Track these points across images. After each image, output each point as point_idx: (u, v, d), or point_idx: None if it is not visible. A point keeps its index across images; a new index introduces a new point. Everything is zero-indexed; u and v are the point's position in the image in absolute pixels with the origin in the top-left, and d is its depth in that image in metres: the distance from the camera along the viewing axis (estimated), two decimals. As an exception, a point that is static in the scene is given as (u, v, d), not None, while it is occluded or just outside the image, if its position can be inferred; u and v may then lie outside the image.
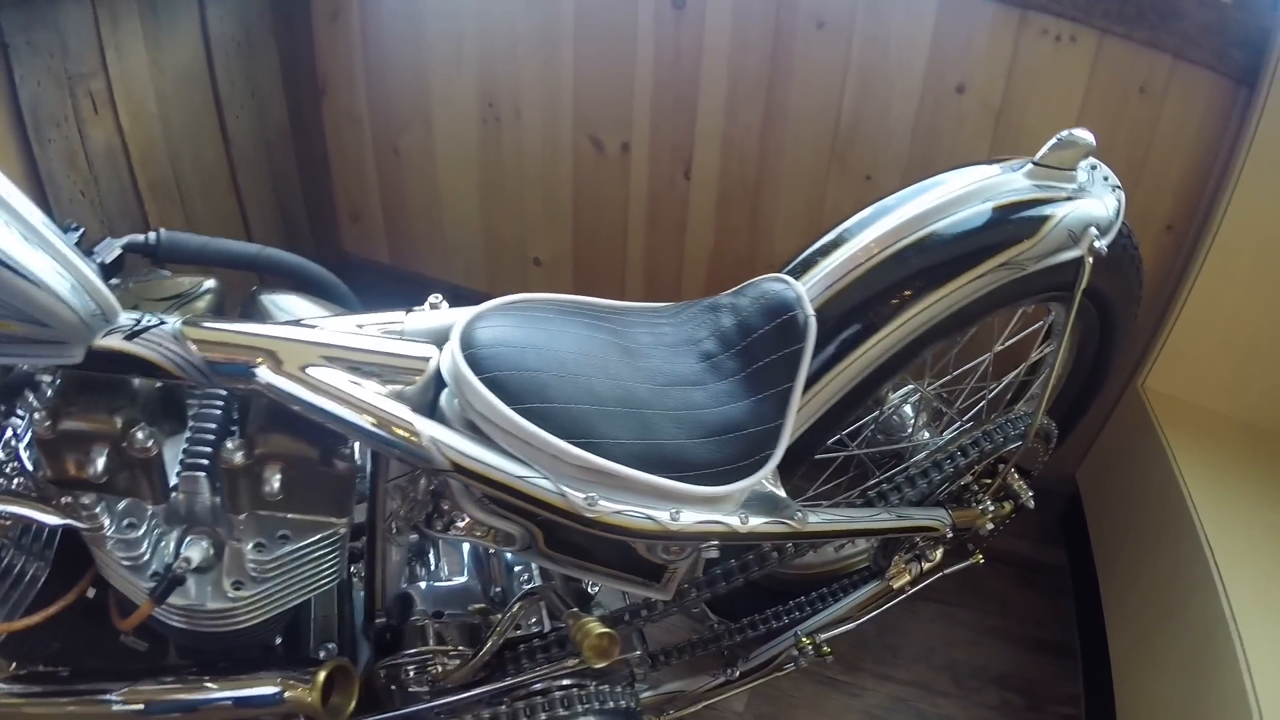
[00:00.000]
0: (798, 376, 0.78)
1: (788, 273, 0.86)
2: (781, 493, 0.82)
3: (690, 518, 0.74)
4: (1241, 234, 1.30)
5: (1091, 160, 0.97)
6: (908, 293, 0.82)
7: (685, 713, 1.10)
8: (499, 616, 0.86)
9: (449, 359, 0.71)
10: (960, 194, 0.87)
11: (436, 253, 1.85)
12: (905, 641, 1.37)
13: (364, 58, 1.72)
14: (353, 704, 0.80)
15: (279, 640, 0.85)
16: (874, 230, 0.84)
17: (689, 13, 1.45)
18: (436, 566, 1.00)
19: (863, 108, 1.44)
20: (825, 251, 0.85)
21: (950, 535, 1.02)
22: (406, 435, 0.67)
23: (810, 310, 0.80)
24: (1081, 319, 1.13)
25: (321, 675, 0.77)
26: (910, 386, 1.15)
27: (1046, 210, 0.88)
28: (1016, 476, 1.14)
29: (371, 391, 0.68)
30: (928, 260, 0.83)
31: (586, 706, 0.89)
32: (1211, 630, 1.01)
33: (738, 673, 1.09)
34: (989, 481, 1.12)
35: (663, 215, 1.65)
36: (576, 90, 1.58)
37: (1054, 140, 0.91)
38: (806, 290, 0.83)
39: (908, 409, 1.18)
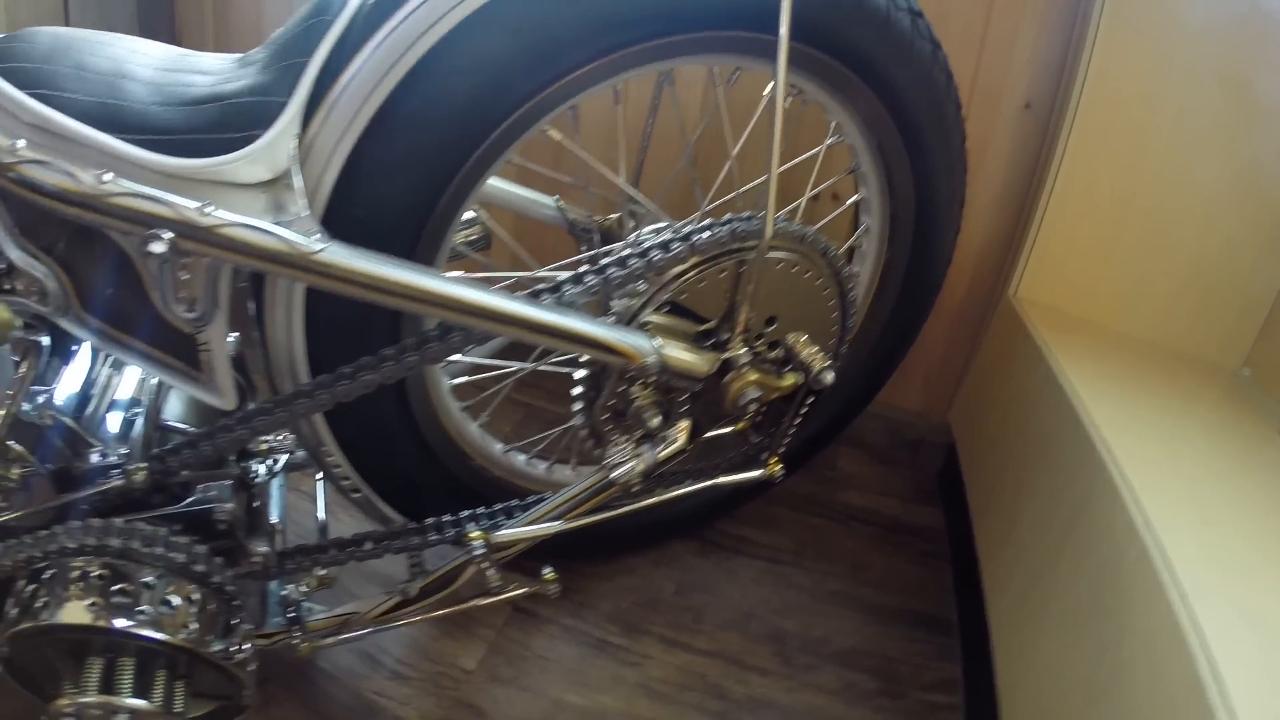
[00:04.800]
0: (317, 50, 0.58)
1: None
2: (305, 212, 0.59)
3: (122, 186, 0.53)
4: (1103, 110, 1.08)
5: None
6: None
7: (360, 635, 0.84)
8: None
9: None
10: None
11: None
12: (713, 603, 1.06)
13: None
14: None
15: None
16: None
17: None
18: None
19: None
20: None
21: (656, 375, 0.75)
22: None
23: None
24: (874, 134, 0.91)
25: None
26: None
27: None
28: (805, 342, 0.88)
29: None
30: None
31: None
32: (1119, 544, 0.71)
33: (415, 589, 0.82)
34: (767, 349, 0.86)
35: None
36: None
37: None
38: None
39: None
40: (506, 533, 0.77)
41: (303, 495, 1.10)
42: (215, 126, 0.56)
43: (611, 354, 0.70)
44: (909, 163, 0.94)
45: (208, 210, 0.54)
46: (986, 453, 1.15)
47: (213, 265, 0.60)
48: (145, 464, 0.68)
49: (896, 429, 1.29)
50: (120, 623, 0.65)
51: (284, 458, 0.87)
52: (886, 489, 1.26)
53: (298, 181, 0.59)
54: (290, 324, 0.68)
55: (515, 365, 0.93)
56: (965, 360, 1.23)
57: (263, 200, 0.58)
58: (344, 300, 0.62)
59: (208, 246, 0.55)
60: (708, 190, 0.91)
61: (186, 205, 0.54)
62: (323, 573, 0.88)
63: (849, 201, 1.00)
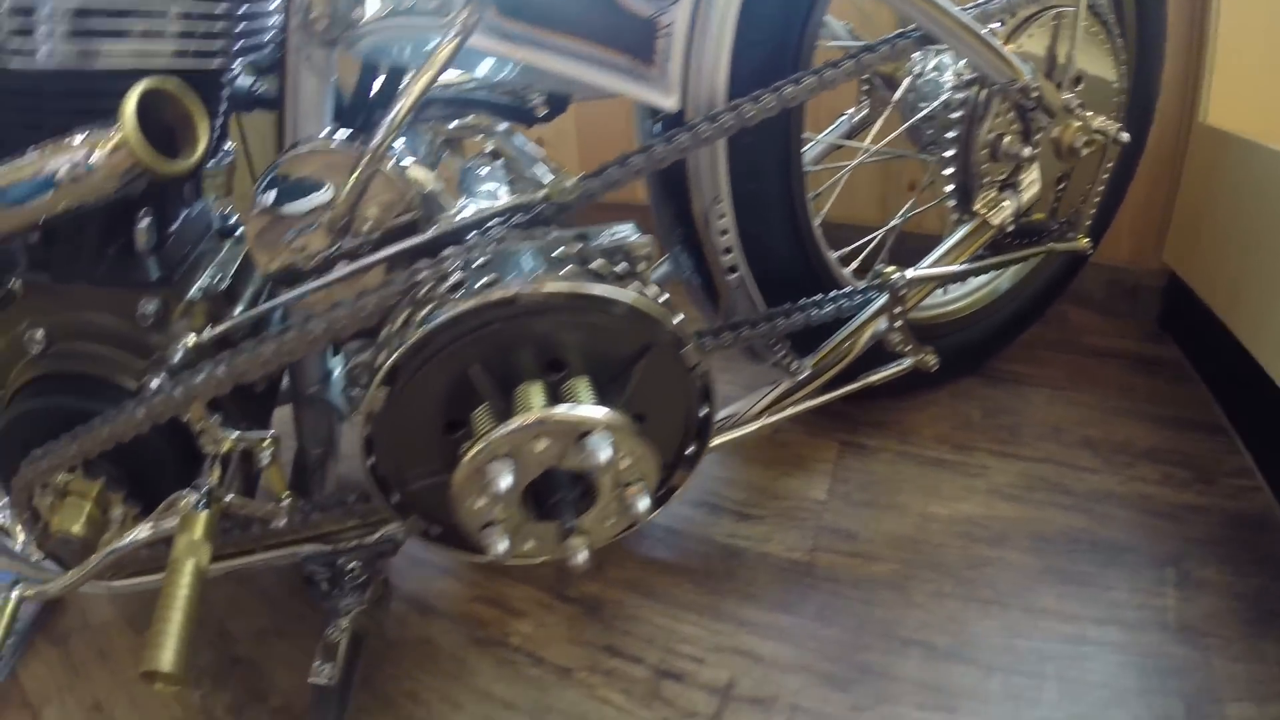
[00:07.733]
0: None
1: None
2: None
3: None
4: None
5: None
6: None
7: (738, 435, 0.84)
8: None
9: None
10: None
11: None
12: (1022, 421, 1.09)
13: None
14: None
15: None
16: None
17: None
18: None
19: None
20: None
21: (1034, 95, 0.81)
22: None
23: None
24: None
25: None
26: None
27: None
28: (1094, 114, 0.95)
29: None
30: None
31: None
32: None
33: (807, 369, 0.84)
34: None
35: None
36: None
37: None
38: None
39: None
40: (919, 271, 0.81)
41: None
42: None
43: (1003, 64, 0.77)
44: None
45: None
46: (1218, 263, 1.20)
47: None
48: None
49: (1114, 279, 1.36)
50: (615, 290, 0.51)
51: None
52: (1119, 333, 1.32)
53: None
54: (721, 36, 0.70)
55: (863, 147, 0.98)
56: (1166, 199, 1.30)
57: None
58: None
59: None
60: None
61: None
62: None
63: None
